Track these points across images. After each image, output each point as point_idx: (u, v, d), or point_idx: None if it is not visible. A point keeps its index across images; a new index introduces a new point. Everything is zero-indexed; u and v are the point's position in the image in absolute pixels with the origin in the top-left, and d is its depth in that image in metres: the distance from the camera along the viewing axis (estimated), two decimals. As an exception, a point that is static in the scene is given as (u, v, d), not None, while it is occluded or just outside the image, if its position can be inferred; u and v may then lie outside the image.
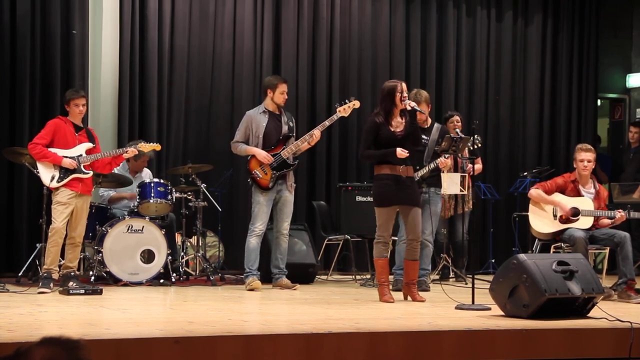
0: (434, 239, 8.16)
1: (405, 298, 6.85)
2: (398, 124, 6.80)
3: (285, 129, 7.95)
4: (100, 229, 7.97)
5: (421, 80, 10.43)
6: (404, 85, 6.85)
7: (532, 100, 11.30)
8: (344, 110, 7.83)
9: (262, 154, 7.79)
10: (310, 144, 7.91)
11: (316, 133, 7.85)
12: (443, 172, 7.52)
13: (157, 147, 7.82)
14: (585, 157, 7.52)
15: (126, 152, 7.49)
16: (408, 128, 6.77)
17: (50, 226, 7.15)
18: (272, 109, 7.93)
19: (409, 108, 6.76)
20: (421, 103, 7.58)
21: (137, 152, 7.62)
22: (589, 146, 7.68)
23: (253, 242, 7.80)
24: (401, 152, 6.63)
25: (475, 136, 7.12)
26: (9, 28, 8.70)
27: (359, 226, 8.78)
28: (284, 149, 7.87)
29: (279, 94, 7.89)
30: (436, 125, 8.01)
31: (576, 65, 11.53)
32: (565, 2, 11.50)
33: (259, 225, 7.79)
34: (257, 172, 7.81)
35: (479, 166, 8.94)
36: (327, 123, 7.96)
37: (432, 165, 7.71)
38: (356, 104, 7.89)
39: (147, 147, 7.69)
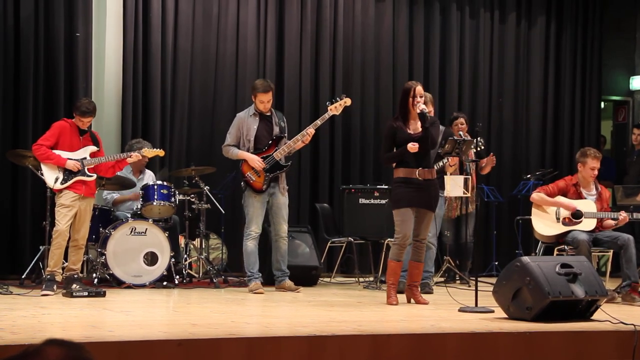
0: (438, 240, 8.14)
1: (409, 301, 6.84)
2: (417, 126, 6.80)
3: (276, 130, 7.90)
4: (103, 232, 7.97)
5: (424, 82, 10.38)
6: (418, 87, 6.79)
7: (536, 102, 11.29)
8: (335, 109, 7.80)
9: (254, 160, 7.72)
10: (304, 142, 7.87)
11: (310, 132, 7.80)
12: (446, 174, 7.51)
13: (160, 152, 7.84)
14: (596, 166, 7.51)
15: (130, 156, 7.48)
16: (422, 131, 6.76)
17: (54, 228, 7.15)
18: (262, 110, 7.89)
19: (418, 111, 6.76)
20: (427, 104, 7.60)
21: (140, 157, 7.62)
22: (599, 153, 7.66)
23: (250, 245, 7.79)
24: (411, 146, 6.62)
25: (478, 138, 7.11)
26: (12, 30, 8.71)
27: (362, 228, 8.78)
28: (276, 150, 7.84)
29: (259, 102, 7.78)
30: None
31: (580, 67, 11.52)
32: (568, 4, 11.49)
33: (254, 229, 7.78)
34: (250, 175, 7.78)
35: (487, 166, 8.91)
36: (319, 122, 7.89)
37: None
38: (347, 101, 7.85)
39: (150, 152, 7.72)
